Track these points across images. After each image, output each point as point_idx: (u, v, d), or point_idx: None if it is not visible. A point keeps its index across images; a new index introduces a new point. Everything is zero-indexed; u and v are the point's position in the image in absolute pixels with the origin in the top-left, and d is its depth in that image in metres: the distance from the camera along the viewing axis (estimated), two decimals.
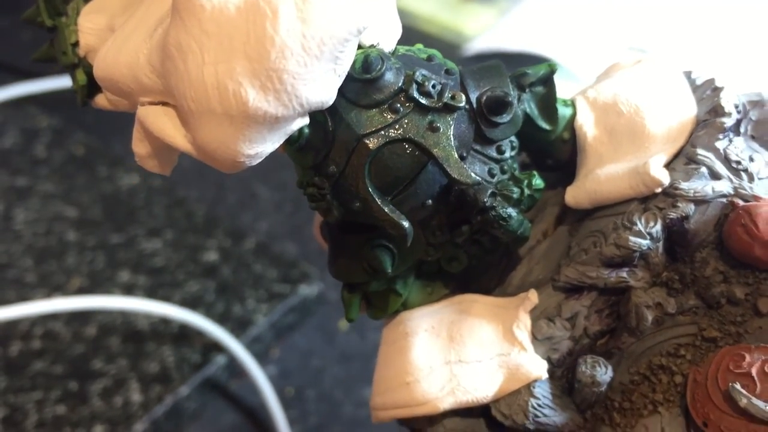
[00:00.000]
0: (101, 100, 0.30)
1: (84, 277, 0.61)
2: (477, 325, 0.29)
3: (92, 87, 0.30)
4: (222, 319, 0.57)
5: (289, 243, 0.66)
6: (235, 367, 0.56)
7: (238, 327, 0.57)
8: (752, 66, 0.76)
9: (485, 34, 0.84)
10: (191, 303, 0.58)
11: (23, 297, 0.59)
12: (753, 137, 0.29)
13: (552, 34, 0.81)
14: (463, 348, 0.28)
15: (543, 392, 0.28)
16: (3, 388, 0.53)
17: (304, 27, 0.23)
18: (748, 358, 0.25)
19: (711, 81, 0.30)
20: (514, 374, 0.27)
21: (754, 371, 0.25)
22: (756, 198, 0.27)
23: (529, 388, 0.27)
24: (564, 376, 0.28)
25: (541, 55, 0.78)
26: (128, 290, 0.60)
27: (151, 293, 0.59)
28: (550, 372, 0.28)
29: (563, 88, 0.30)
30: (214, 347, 0.56)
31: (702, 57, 0.77)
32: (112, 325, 0.58)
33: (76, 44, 0.30)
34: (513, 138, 0.29)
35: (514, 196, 0.29)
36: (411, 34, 0.85)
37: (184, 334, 0.57)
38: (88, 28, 0.29)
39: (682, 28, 0.81)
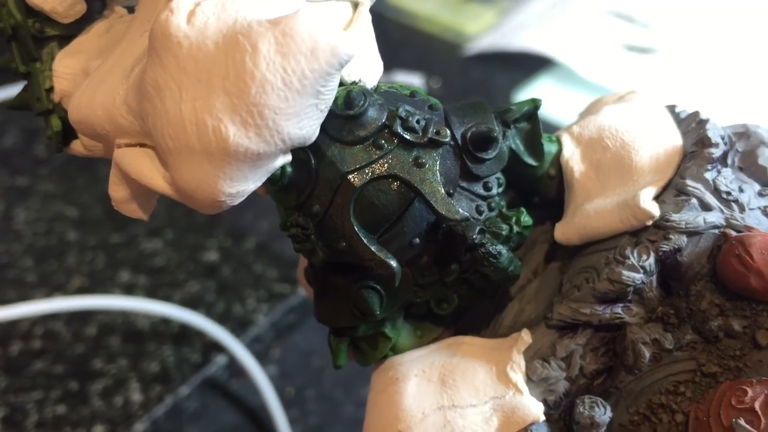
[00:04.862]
0: (77, 146, 0.29)
1: (84, 277, 0.61)
2: (470, 367, 0.28)
3: (67, 133, 0.29)
4: (222, 319, 0.57)
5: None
6: (235, 367, 0.56)
7: (238, 327, 0.57)
8: (752, 68, 0.76)
9: (485, 34, 0.84)
10: (191, 303, 0.59)
11: (23, 297, 0.59)
12: (741, 168, 0.29)
13: (552, 34, 0.81)
14: (456, 392, 0.27)
15: None
16: (3, 388, 0.54)
17: (285, 61, 0.22)
18: (750, 392, 0.24)
19: (695, 114, 0.30)
20: (510, 418, 0.26)
21: (757, 405, 0.24)
22: (748, 228, 0.27)
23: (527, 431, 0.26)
24: (561, 418, 0.27)
25: (541, 55, 0.78)
26: (128, 290, 0.60)
27: (151, 293, 0.59)
28: (547, 415, 0.27)
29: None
30: (215, 347, 0.56)
31: (701, 56, 0.78)
32: (112, 325, 0.58)
33: (50, 89, 0.29)
34: (500, 175, 0.28)
35: (503, 233, 0.28)
36: (411, 34, 0.84)
37: (184, 334, 0.57)
38: (63, 72, 0.29)
39: (682, 28, 0.81)
